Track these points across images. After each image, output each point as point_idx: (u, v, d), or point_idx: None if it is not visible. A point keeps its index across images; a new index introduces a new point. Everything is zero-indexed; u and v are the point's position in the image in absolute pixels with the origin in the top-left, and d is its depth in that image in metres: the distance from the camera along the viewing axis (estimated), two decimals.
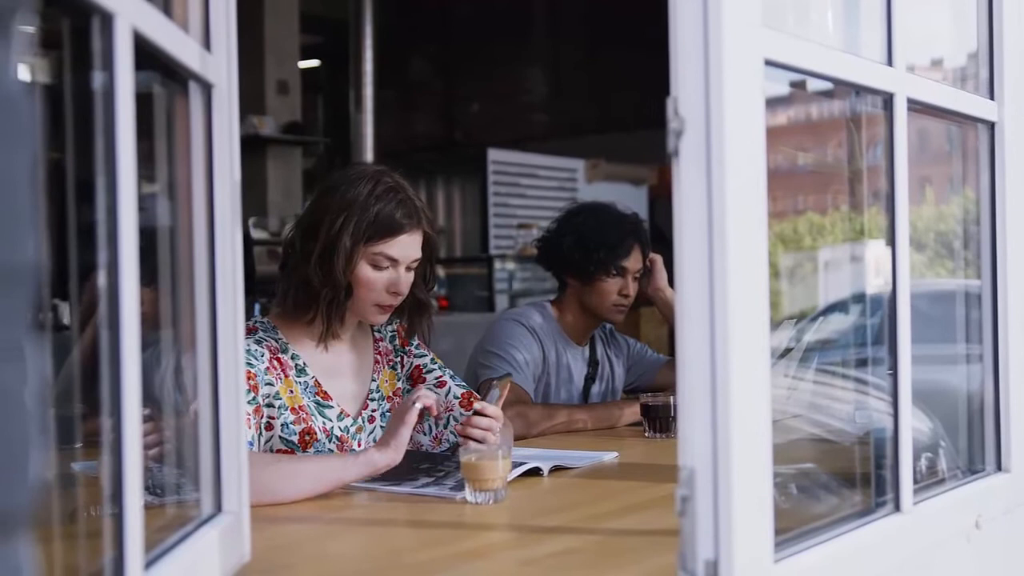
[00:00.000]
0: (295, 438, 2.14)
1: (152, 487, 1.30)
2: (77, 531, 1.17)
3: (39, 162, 0.61)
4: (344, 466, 1.94)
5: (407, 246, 2.18)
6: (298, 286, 2.18)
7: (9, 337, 0.58)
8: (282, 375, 2.16)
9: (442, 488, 1.93)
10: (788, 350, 2.00)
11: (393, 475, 2.02)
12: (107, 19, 0.98)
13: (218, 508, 1.36)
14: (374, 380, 2.32)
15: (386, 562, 1.54)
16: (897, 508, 1.49)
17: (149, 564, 1.08)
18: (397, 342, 2.39)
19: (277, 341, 2.20)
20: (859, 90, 1.53)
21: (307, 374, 2.20)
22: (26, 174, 0.59)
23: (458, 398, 2.33)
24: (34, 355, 0.61)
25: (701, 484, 1.16)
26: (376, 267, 2.16)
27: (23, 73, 0.61)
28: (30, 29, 0.63)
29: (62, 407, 1.28)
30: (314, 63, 9.99)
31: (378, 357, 2.35)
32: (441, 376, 2.37)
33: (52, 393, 0.84)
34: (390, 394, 2.34)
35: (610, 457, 2.33)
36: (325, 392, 2.21)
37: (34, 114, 0.61)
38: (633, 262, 2.99)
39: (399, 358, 2.39)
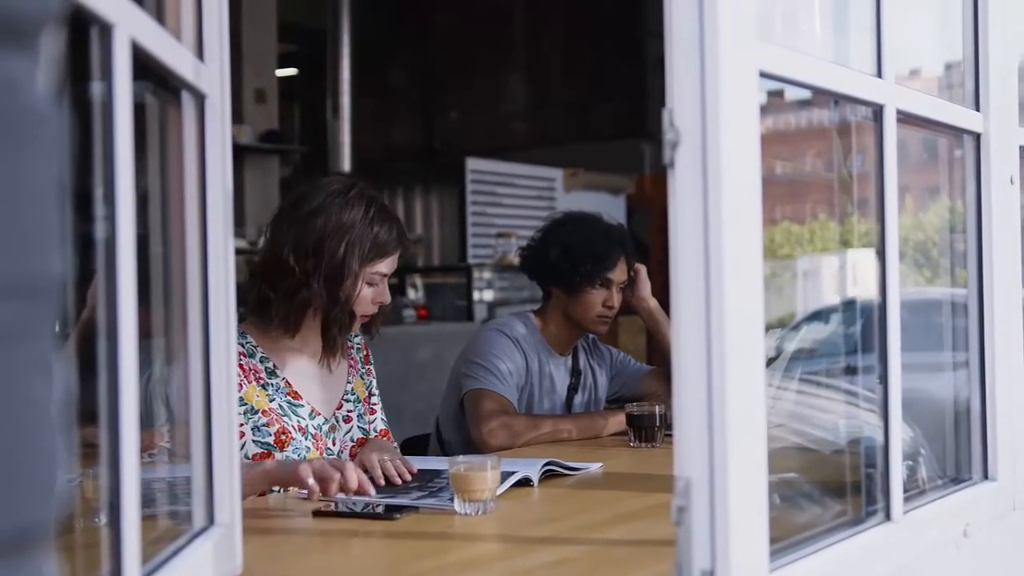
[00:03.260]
0: (270, 439, 2.19)
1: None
2: (70, 543, 1.16)
3: (66, 175, 0.61)
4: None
5: (395, 261, 2.31)
6: (300, 306, 2.22)
7: (38, 350, 0.58)
8: (247, 381, 2.20)
9: (441, 499, 1.92)
10: (770, 360, 2.01)
11: (388, 490, 2.02)
12: (106, 29, 0.97)
13: (211, 520, 1.35)
14: (349, 382, 2.39)
15: (378, 574, 1.54)
16: (888, 517, 1.50)
17: None
18: (362, 355, 2.48)
19: (244, 345, 2.23)
20: (850, 102, 1.55)
21: (278, 376, 2.26)
22: (54, 187, 0.59)
23: (377, 431, 2.42)
24: (59, 368, 0.61)
25: (697, 494, 1.16)
26: (370, 284, 2.26)
27: (50, 85, 0.61)
28: (57, 41, 0.62)
29: None
30: (291, 71, 9.97)
31: (352, 362, 2.43)
32: (376, 405, 2.48)
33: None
34: (364, 398, 2.43)
35: (596, 468, 2.32)
36: (296, 392, 2.27)
37: (61, 128, 0.61)
38: (619, 274, 2.99)
39: (365, 369, 2.48)
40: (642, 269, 3.09)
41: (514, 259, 7.11)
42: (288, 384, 2.26)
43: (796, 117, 1.79)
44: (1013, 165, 1.86)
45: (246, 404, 2.18)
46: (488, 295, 7.49)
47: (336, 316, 2.23)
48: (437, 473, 2.16)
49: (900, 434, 1.52)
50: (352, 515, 1.84)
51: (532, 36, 9.88)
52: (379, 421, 2.47)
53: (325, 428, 2.30)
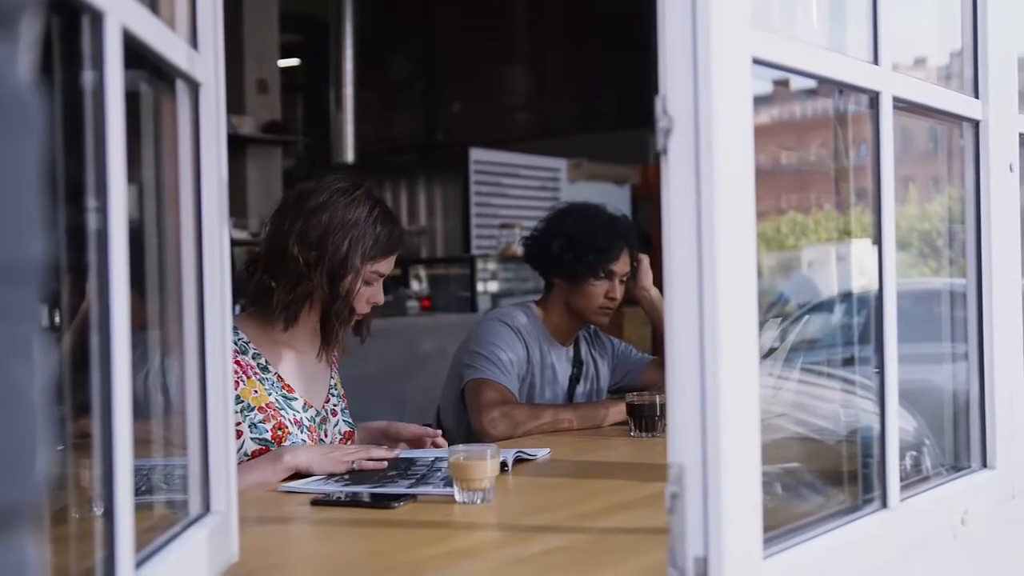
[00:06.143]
0: (267, 435, 2.22)
1: (137, 487, 1.30)
2: (66, 532, 1.17)
3: (46, 160, 0.62)
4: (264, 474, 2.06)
5: (392, 262, 2.35)
6: (300, 298, 2.25)
7: (19, 333, 0.59)
8: (244, 377, 2.22)
9: (437, 486, 1.93)
10: (772, 349, 2.01)
11: (374, 481, 2.02)
12: (97, 18, 0.97)
13: (206, 508, 1.35)
14: (332, 378, 2.44)
15: (376, 562, 1.54)
16: (884, 505, 1.50)
17: (139, 564, 1.08)
18: (336, 355, 2.50)
19: (236, 343, 2.25)
20: (845, 89, 1.54)
21: (270, 371, 2.28)
22: (34, 172, 0.60)
23: (341, 434, 2.42)
24: (42, 351, 0.61)
25: (691, 481, 1.16)
26: (367, 283, 2.30)
27: (30, 71, 0.61)
28: (37, 27, 0.63)
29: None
30: (294, 62, 9.97)
31: (334, 360, 2.47)
32: (344, 405, 2.48)
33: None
34: (342, 394, 2.47)
35: (543, 454, 2.34)
36: (288, 386, 2.30)
37: (41, 112, 0.61)
38: (621, 265, 2.99)
39: (338, 368, 2.52)
40: (644, 259, 3.09)
41: (518, 250, 7.12)
42: (280, 379, 2.29)
43: (801, 107, 1.78)
44: (1013, 152, 1.85)
45: (243, 402, 2.20)
46: (492, 286, 7.49)
47: (337, 310, 2.27)
48: (411, 462, 2.18)
49: (896, 422, 1.52)
50: (350, 504, 1.85)
51: (534, 25, 9.87)
52: (342, 424, 2.47)
53: (317, 420, 2.34)
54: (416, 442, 2.40)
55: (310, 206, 2.26)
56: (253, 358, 2.27)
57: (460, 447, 1.94)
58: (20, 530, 0.57)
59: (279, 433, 2.22)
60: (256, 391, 2.23)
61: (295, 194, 2.32)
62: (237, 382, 2.19)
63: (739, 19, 1.19)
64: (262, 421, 2.20)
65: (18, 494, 0.58)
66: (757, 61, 1.23)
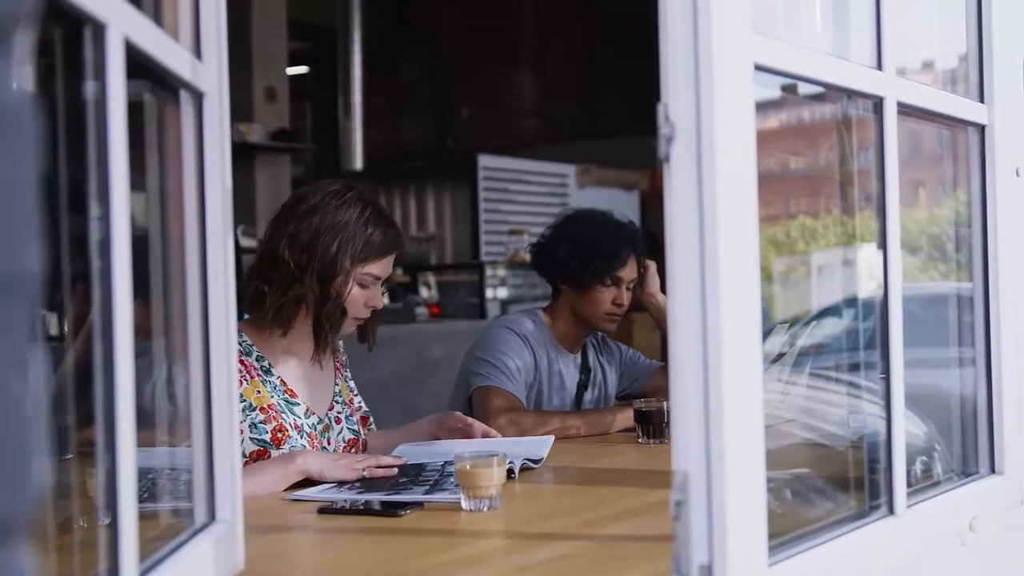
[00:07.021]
0: (267, 436, 2.22)
1: (143, 495, 1.30)
2: (71, 541, 1.17)
3: (41, 172, 0.62)
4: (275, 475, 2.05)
5: (389, 265, 2.34)
6: (292, 301, 2.24)
7: (13, 345, 0.59)
8: (247, 376, 2.23)
9: (454, 492, 1.92)
10: (781, 355, 2.00)
11: (386, 488, 2.01)
12: (99, 29, 0.98)
13: (212, 517, 1.35)
14: (336, 384, 2.43)
15: (382, 570, 1.54)
16: (891, 511, 1.50)
17: (143, 573, 1.08)
18: (344, 359, 2.50)
19: (240, 344, 2.25)
20: (849, 94, 1.54)
21: (273, 374, 2.29)
22: (29, 184, 0.60)
23: (345, 442, 2.41)
24: (36, 363, 0.61)
25: (695, 488, 1.16)
26: (362, 285, 2.29)
27: (25, 83, 0.61)
28: (31, 39, 0.63)
29: (54, 417, 1.27)
30: (302, 69, 9.98)
31: (338, 366, 2.47)
32: (349, 412, 2.46)
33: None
34: (348, 400, 2.46)
35: (548, 444, 2.37)
36: (291, 390, 2.30)
37: (36, 125, 0.61)
38: (628, 272, 2.98)
39: (348, 372, 2.51)
40: (652, 265, 3.09)
41: (527, 256, 7.12)
42: (283, 383, 2.29)
43: (810, 111, 1.78)
44: (1019, 157, 1.85)
45: (245, 401, 2.20)
46: (501, 292, 7.48)
47: (328, 313, 2.26)
48: (422, 467, 2.18)
49: (903, 427, 1.51)
50: (357, 512, 1.85)
51: (542, 32, 9.87)
52: (347, 431, 2.45)
53: (319, 428, 2.33)
54: (466, 432, 2.43)
55: (302, 209, 2.27)
56: (257, 360, 2.27)
57: (466, 454, 1.94)
58: (16, 541, 0.58)
59: (279, 436, 2.22)
60: (259, 391, 2.24)
61: (291, 199, 2.34)
62: (240, 381, 2.19)
63: (741, 25, 1.19)
64: (263, 422, 2.21)
65: (13, 505, 0.58)
66: (759, 67, 1.23)
